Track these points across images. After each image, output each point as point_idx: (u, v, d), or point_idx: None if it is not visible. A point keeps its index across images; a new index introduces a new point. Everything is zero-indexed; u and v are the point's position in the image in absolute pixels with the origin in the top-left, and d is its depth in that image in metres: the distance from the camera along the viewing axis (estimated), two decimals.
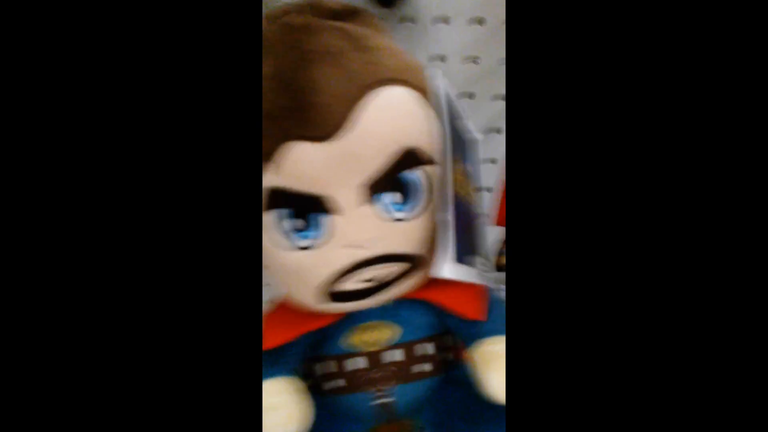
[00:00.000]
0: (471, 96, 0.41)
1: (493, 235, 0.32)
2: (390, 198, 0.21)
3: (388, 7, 0.38)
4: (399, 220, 0.22)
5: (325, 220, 0.21)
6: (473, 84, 0.40)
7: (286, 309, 0.26)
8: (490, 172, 0.35)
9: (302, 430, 0.23)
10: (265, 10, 0.22)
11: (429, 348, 0.28)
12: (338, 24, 0.21)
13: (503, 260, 0.32)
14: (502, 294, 0.27)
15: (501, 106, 0.40)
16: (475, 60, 0.41)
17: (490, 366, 0.24)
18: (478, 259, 0.25)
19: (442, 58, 0.41)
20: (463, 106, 0.26)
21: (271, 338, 0.25)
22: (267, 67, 0.20)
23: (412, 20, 0.40)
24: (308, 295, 0.23)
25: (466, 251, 0.24)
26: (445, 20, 0.40)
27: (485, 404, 0.26)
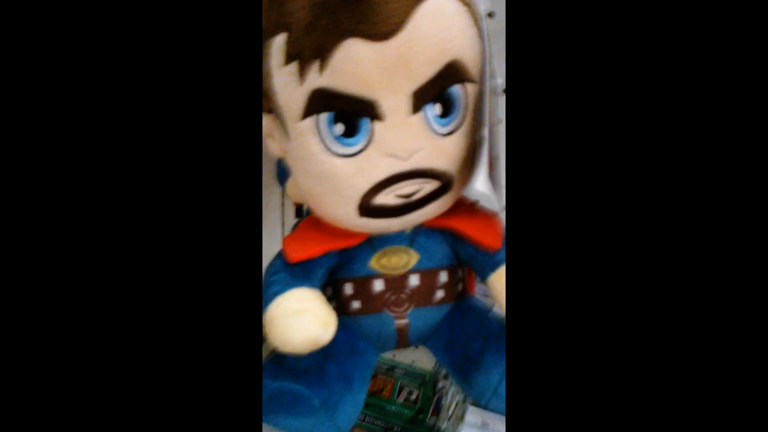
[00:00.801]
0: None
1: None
2: (433, 110, 0.22)
3: None
4: (439, 133, 0.22)
5: (369, 126, 0.21)
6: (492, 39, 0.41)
7: (314, 225, 0.26)
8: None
9: (329, 334, 0.23)
10: None
11: (443, 276, 0.29)
12: None
13: None
14: None
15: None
16: (491, 15, 0.41)
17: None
18: (499, 188, 0.26)
19: None
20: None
21: (298, 252, 0.25)
22: None
23: None
24: (342, 206, 0.23)
25: (492, 175, 0.25)
26: None
27: (494, 328, 0.27)
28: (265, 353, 0.32)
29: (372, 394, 0.52)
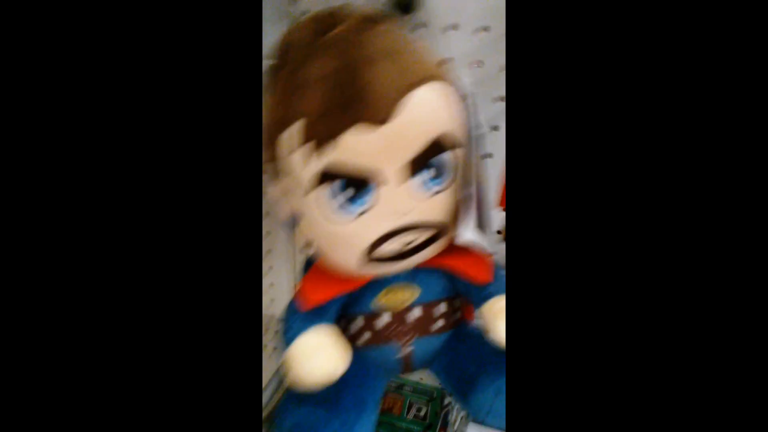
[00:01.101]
0: (474, 96, 0.46)
1: (497, 215, 0.37)
2: (426, 175, 0.26)
3: (406, 14, 0.42)
4: (432, 192, 0.26)
5: (374, 190, 0.25)
6: (479, 85, 0.45)
7: (322, 272, 0.30)
8: (490, 165, 0.41)
9: (339, 371, 0.27)
10: (294, 21, 0.26)
11: (442, 307, 0.33)
12: (375, 37, 0.25)
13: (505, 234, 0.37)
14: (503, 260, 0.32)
15: (501, 107, 0.46)
16: (479, 64, 0.46)
17: (498, 317, 0.29)
18: (486, 230, 0.30)
19: (451, 61, 0.46)
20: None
21: (311, 299, 0.29)
22: (324, 68, 0.24)
23: (425, 26, 0.45)
24: (349, 259, 0.27)
25: (481, 223, 0.29)
26: (455, 27, 0.45)
27: (488, 351, 0.31)
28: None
29: (383, 411, 0.55)
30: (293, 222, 0.38)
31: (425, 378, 0.59)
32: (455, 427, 0.44)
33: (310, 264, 0.33)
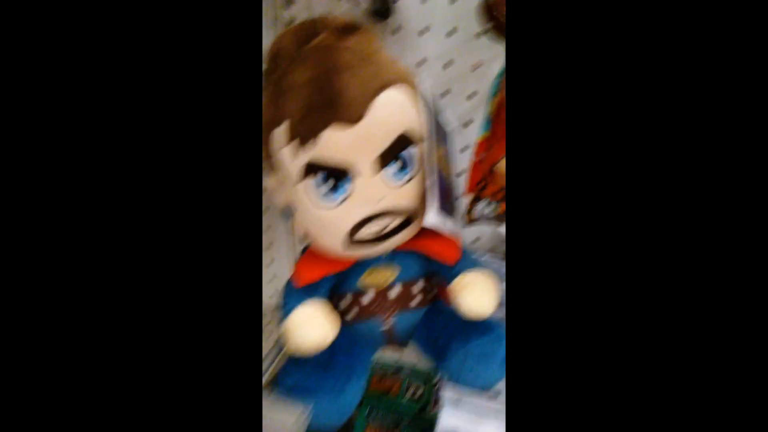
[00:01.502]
0: (448, 93, 0.50)
1: (464, 200, 0.41)
2: (393, 168, 0.30)
3: (382, 20, 0.46)
4: (398, 184, 0.30)
5: (348, 183, 0.29)
6: (451, 83, 0.49)
7: (314, 255, 0.35)
8: (465, 156, 0.45)
9: (327, 340, 0.31)
10: (282, 27, 0.29)
11: (420, 285, 0.37)
12: (351, 44, 0.29)
13: (471, 217, 0.41)
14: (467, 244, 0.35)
15: (472, 103, 0.49)
16: (450, 64, 0.50)
17: (463, 291, 0.33)
18: (454, 215, 0.34)
19: (425, 62, 0.49)
20: (442, 102, 0.34)
21: (304, 277, 0.34)
22: (305, 74, 0.28)
23: (399, 30, 0.48)
24: (335, 242, 0.31)
25: (445, 208, 0.33)
26: (427, 30, 0.48)
27: (458, 323, 0.35)
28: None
29: (381, 393, 0.60)
30: (289, 212, 0.42)
31: (422, 361, 0.63)
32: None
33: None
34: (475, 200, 0.39)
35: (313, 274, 0.33)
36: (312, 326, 0.31)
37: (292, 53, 0.29)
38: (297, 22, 0.32)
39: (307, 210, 0.30)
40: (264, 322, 0.62)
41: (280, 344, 0.52)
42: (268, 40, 0.31)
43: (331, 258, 0.34)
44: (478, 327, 0.33)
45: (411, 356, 0.64)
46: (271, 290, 0.63)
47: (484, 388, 0.33)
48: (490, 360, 0.32)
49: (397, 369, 0.63)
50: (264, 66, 0.31)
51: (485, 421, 0.32)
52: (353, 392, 0.33)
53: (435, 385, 0.59)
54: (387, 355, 0.58)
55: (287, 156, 0.29)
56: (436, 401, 0.57)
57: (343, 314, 0.36)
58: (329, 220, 0.30)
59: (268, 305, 0.64)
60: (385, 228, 0.31)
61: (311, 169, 0.29)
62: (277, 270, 0.63)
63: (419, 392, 0.60)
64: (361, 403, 0.57)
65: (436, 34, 0.48)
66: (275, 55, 0.30)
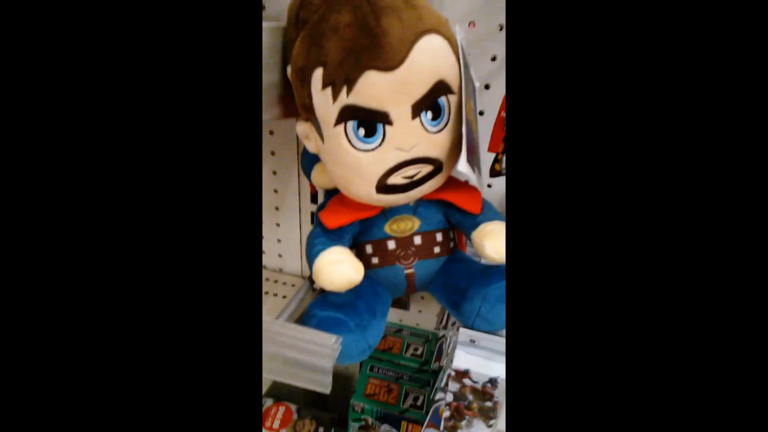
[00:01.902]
0: (469, 55, 0.50)
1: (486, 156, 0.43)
2: (427, 116, 0.31)
3: None
4: (432, 132, 0.31)
5: (382, 129, 0.30)
6: (472, 45, 0.49)
7: (341, 202, 0.36)
8: (482, 120, 0.46)
9: (359, 277, 0.33)
10: None
11: (439, 236, 0.38)
12: None
13: (498, 168, 0.43)
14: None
15: (494, 65, 0.50)
16: (473, 23, 0.50)
17: (485, 240, 0.35)
18: (479, 168, 0.36)
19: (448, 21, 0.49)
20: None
21: (332, 221, 0.35)
22: (345, 16, 0.28)
23: None
24: (364, 187, 0.32)
25: (470, 160, 0.34)
26: None
27: (476, 269, 0.37)
28: (314, 294, 0.40)
29: (385, 350, 0.63)
30: (309, 168, 0.43)
31: (422, 324, 0.66)
32: (448, 351, 0.51)
33: (316, 217, 0.38)
34: (503, 152, 0.41)
35: (339, 220, 0.35)
36: (343, 266, 0.33)
37: (325, 1, 0.29)
38: None
39: (340, 155, 0.31)
40: (273, 279, 0.64)
41: (307, 284, 0.54)
42: None
43: (357, 205, 0.35)
44: (498, 271, 0.35)
45: (411, 318, 0.67)
46: (276, 254, 0.64)
47: (501, 328, 0.35)
48: None
49: (399, 329, 0.66)
50: (294, 15, 0.31)
51: (496, 359, 0.34)
52: (374, 333, 0.35)
53: (436, 344, 0.62)
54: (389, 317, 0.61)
55: (322, 101, 0.29)
56: (438, 355, 0.60)
57: (366, 261, 0.37)
58: (362, 165, 0.31)
59: (275, 265, 0.65)
60: (416, 175, 0.32)
61: (347, 113, 0.29)
62: (282, 235, 0.63)
63: (419, 351, 0.63)
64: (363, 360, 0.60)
65: None
66: (307, 3, 0.30)
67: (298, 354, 0.28)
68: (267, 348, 0.28)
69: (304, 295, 0.52)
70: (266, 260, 0.65)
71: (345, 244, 0.35)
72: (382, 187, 0.32)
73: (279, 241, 0.64)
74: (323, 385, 0.29)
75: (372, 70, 0.28)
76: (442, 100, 0.31)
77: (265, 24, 0.31)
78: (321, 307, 0.33)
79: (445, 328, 0.55)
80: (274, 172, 0.58)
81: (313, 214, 0.58)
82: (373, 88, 0.28)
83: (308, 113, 0.31)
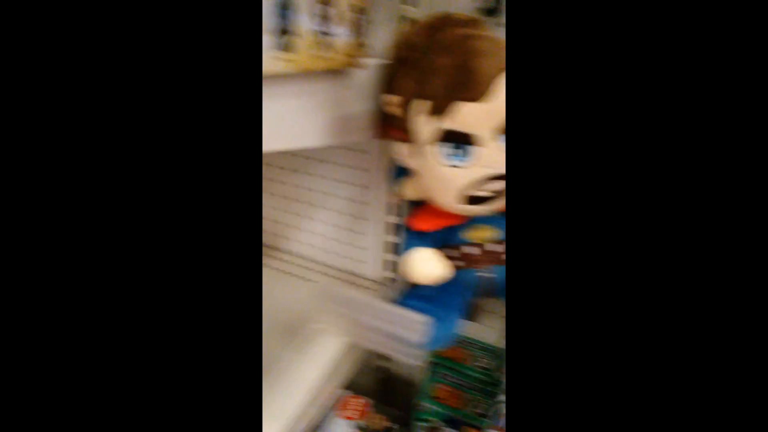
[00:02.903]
0: None
1: None
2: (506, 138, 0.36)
3: (491, 17, 0.52)
4: None
5: (473, 150, 0.36)
6: None
7: (431, 210, 0.42)
8: None
9: (446, 274, 0.38)
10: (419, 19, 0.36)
11: None
12: (484, 34, 0.36)
13: None
14: None
15: None
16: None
17: None
18: None
19: None
20: None
21: (422, 225, 0.41)
22: (446, 59, 0.35)
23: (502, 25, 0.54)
24: (452, 197, 0.38)
25: None
26: None
27: None
28: (404, 285, 0.45)
29: (454, 360, 0.67)
30: (399, 179, 0.50)
31: (488, 338, 0.69)
32: None
33: (400, 226, 0.44)
34: None
35: (429, 224, 0.41)
36: (432, 263, 0.39)
37: (427, 43, 0.36)
38: (422, 18, 0.39)
39: (433, 169, 0.38)
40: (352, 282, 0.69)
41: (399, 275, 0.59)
42: (388, 33, 0.37)
43: (445, 213, 0.41)
44: None
45: (479, 333, 0.69)
46: (357, 261, 0.69)
47: None
48: None
49: (468, 341, 0.70)
50: (396, 53, 0.39)
51: None
52: (453, 324, 0.40)
53: (501, 357, 0.65)
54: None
55: (422, 124, 0.36)
56: (503, 369, 0.62)
57: (449, 261, 0.43)
58: (451, 178, 0.37)
59: (354, 273, 0.70)
60: (494, 191, 0.37)
61: (443, 135, 0.36)
62: (366, 243, 0.69)
63: (486, 363, 0.66)
64: (434, 365, 0.65)
65: None
66: (409, 43, 0.37)
67: (394, 328, 0.34)
68: (370, 322, 0.35)
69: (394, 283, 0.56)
70: (353, 266, 0.71)
71: (432, 245, 0.41)
72: (468, 198, 0.38)
73: (363, 248, 0.70)
74: (414, 356, 0.34)
75: (467, 101, 0.34)
76: None
77: (372, 61, 0.39)
78: (411, 297, 0.39)
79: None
80: (365, 186, 0.65)
81: (396, 225, 0.64)
82: (466, 115, 0.35)
83: (408, 135, 0.38)
